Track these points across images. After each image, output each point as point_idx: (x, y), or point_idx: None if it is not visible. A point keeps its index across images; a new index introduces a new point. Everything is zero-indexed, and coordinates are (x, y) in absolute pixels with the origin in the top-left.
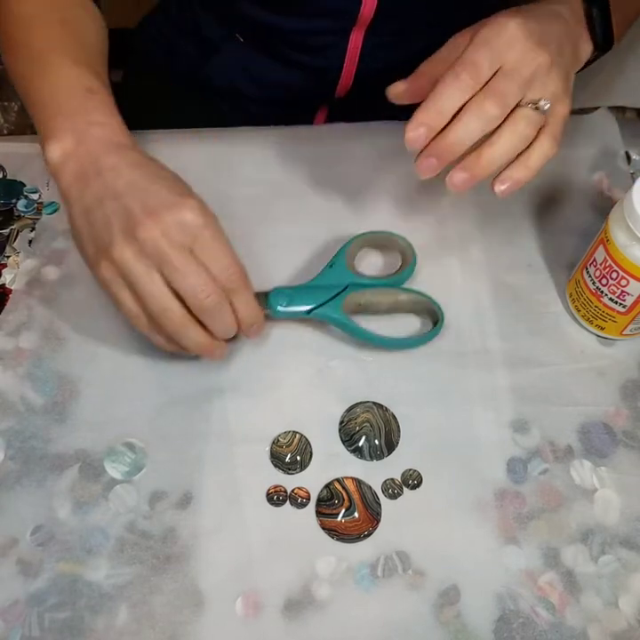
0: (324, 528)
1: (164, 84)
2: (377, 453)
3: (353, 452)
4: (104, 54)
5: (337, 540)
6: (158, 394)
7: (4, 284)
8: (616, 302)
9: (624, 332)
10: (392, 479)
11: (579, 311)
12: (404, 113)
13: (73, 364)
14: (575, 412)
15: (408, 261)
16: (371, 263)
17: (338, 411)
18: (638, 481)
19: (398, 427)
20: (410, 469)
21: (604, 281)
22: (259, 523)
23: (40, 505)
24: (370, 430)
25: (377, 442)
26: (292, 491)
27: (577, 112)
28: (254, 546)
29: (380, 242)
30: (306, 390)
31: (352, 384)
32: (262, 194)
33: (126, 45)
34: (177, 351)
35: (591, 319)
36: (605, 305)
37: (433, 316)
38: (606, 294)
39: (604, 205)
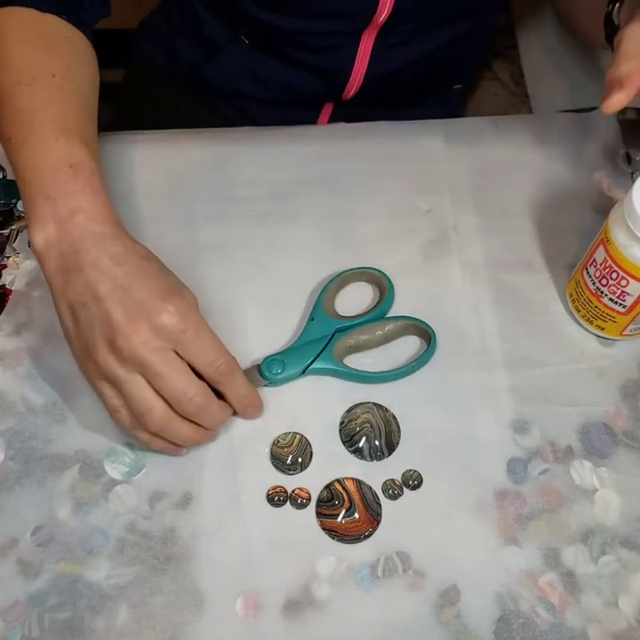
0: (324, 528)
1: (164, 84)
2: (377, 454)
3: (353, 452)
4: (95, 102)
5: (337, 540)
6: None
7: (4, 285)
8: (616, 302)
9: (624, 333)
10: (392, 480)
11: (579, 311)
12: (406, 114)
13: (73, 364)
14: (575, 412)
15: (385, 291)
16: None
17: (338, 411)
18: (638, 481)
19: (398, 427)
20: (410, 470)
21: (604, 281)
22: (259, 523)
23: (40, 505)
24: (370, 431)
25: (377, 442)
26: (293, 491)
27: (577, 112)
28: (254, 546)
29: (354, 279)
30: (306, 391)
31: (352, 385)
32: (263, 194)
33: (126, 45)
34: (166, 449)
35: (591, 319)
36: (605, 305)
37: (425, 335)
38: (606, 294)
39: (604, 205)
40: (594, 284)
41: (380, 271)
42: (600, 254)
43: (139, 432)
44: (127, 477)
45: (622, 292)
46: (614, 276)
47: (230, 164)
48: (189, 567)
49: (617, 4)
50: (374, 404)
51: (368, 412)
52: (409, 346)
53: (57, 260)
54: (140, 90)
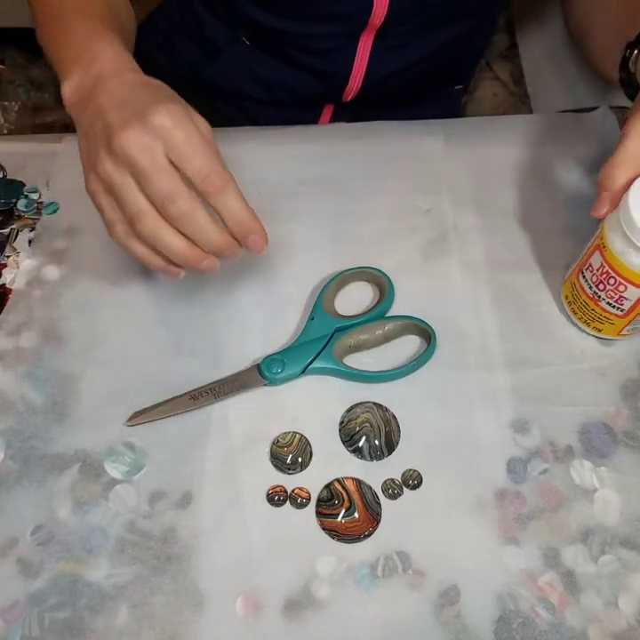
0: (324, 528)
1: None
2: (377, 453)
3: (353, 452)
4: (130, 31)
5: (337, 540)
6: (158, 394)
7: (4, 284)
8: (614, 306)
9: (622, 333)
10: (392, 479)
11: (575, 314)
12: (406, 114)
13: (73, 364)
14: (575, 412)
15: (385, 291)
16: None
17: (338, 411)
18: (638, 481)
19: (398, 427)
20: (410, 469)
21: (601, 286)
22: (259, 523)
23: (40, 505)
24: (370, 430)
25: (377, 442)
26: (292, 491)
27: (577, 112)
28: (254, 546)
29: (354, 279)
30: (306, 391)
31: (352, 384)
32: (263, 194)
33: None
34: (163, 268)
35: (588, 321)
36: (603, 309)
37: (424, 334)
38: (604, 299)
39: None
40: (591, 288)
41: (379, 271)
42: (596, 260)
43: (135, 245)
44: (127, 477)
45: (620, 296)
46: (612, 281)
47: (230, 164)
48: (189, 567)
49: (636, 51)
50: (374, 403)
51: (368, 411)
52: (409, 346)
53: (78, 99)
54: None
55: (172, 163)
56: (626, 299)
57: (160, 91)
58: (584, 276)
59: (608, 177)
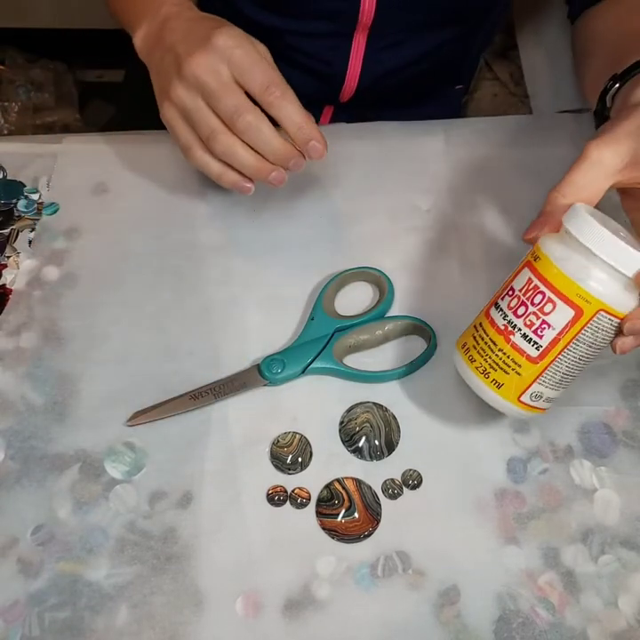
0: (324, 528)
1: None
2: (377, 453)
3: (353, 452)
4: None
5: (337, 540)
6: (158, 394)
7: (4, 284)
8: (530, 340)
9: (522, 398)
10: (392, 479)
11: (473, 362)
12: (406, 115)
13: (73, 364)
14: (575, 411)
15: (385, 291)
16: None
17: (338, 411)
18: (638, 481)
19: (398, 427)
20: (410, 469)
21: (521, 310)
22: (259, 523)
23: (40, 505)
24: (370, 430)
25: (377, 442)
26: (293, 491)
27: (577, 112)
28: (254, 546)
29: (354, 279)
30: (306, 391)
31: (352, 384)
32: (263, 194)
33: (126, 45)
34: (236, 184)
35: (488, 371)
36: (514, 346)
37: (424, 334)
38: (520, 329)
39: (603, 204)
40: (505, 317)
41: (379, 271)
42: (522, 279)
43: (210, 164)
44: (127, 477)
45: (543, 322)
46: (538, 299)
47: None
48: (189, 567)
49: (617, 85)
50: (374, 403)
51: (368, 411)
52: (409, 346)
53: (148, 44)
54: (140, 90)
55: (236, 82)
56: (549, 326)
57: (219, 21)
58: (498, 307)
59: (552, 203)
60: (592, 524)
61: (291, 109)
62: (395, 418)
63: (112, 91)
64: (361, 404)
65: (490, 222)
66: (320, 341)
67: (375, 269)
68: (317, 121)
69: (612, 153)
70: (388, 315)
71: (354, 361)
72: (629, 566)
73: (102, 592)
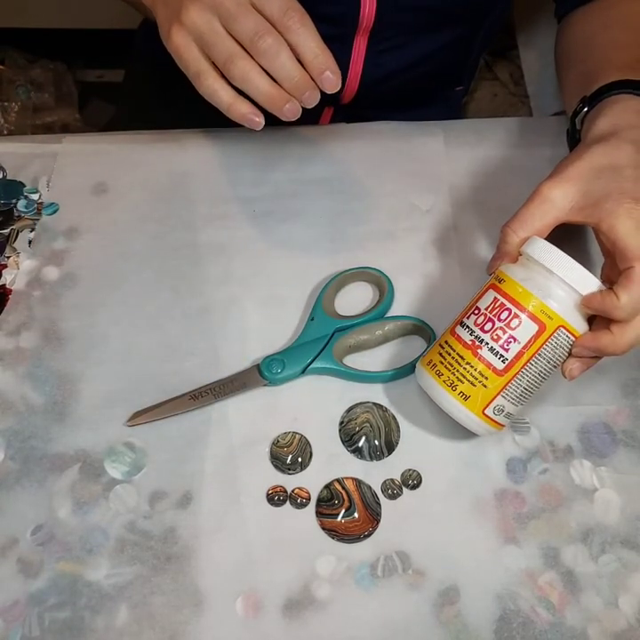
0: (324, 528)
1: (164, 84)
2: (377, 454)
3: (353, 452)
4: None
5: (337, 539)
6: (158, 394)
7: (4, 285)
8: (496, 353)
9: (486, 411)
10: (392, 479)
11: (440, 376)
12: (407, 116)
13: (73, 364)
14: (575, 411)
15: (385, 291)
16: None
17: (338, 411)
18: (638, 481)
19: (398, 427)
20: (409, 469)
21: (488, 326)
22: (259, 523)
23: (40, 505)
24: (370, 430)
25: (377, 442)
26: (292, 491)
27: None
28: (254, 546)
29: (354, 279)
30: (306, 391)
31: (352, 384)
32: (263, 194)
33: (126, 45)
34: (245, 116)
35: (456, 384)
36: (482, 359)
37: (424, 334)
38: (488, 343)
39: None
40: (472, 333)
41: (379, 271)
42: (487, 299)
43: (221, 92)
44: (127, 477)
45: (509, 337)
46: (505, 315)
47: (231, 164)
48: (189, 567)
49: (586, 108)
50: (374, 403)
51: (368, 411)
52: (409, 346)
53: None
54: (140, 90)
55: (253, 5)
56: (514, 339)
57: None
58: (464, 325)
59: (506, 240)
60: (592, 523)
61: (309, 35)
62: (394, 418)
63: (112, 91)
64: (361, 403)
65: (490, 222)
66: (320, 341)
67: (375, 269)
68: (317, 121)
69: (562, 194)
70: (388, 315)
71: (354, 361)
72: (629, 566)
73: (102, 592)
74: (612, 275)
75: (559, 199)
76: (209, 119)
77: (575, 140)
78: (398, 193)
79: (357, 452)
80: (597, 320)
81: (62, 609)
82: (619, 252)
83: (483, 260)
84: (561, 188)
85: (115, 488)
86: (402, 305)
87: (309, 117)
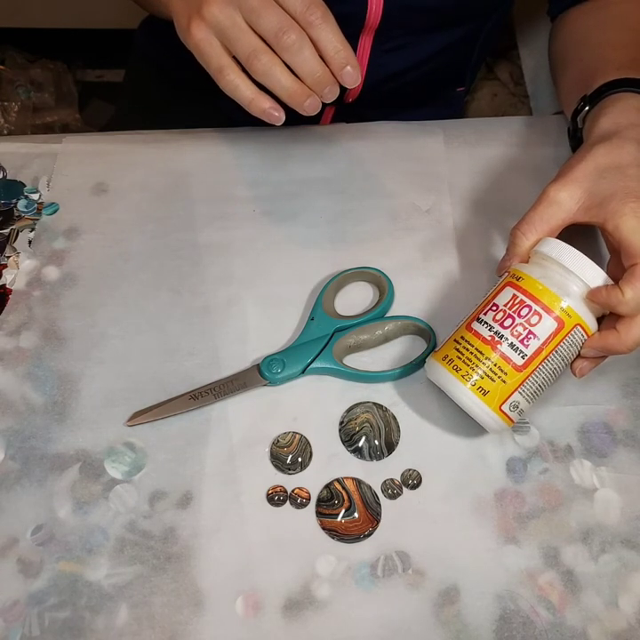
0: (324, 528)
1: (164, 83)
2: (377, 453)
3: (353, 452)
4: None
5: (337, 539)
6: (158, 394)
7: (4, 285)
8: (516, 349)
9: (503, 407)
10: (392, 479)
11: (458, 371)
12: (408, 116)
13: (73, 364)
14: (575, 411)
15: (385, 291)
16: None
17: (338, 411)
18: (638, 480)
19: (398, 427)
20: (409, 469)
21: (508, 322)
22: (259, 523)
23: (40, 505)
24: (370, 430)
25: (377, 442)
26: (292, 491)
27: None
28: (254, 546)
29: (354, 279)
30: (306, 391)
31: (352, 384)
32: (263, 194)
33: (126, 45)
34: (266, 111)
35: (475, 379)
36: (502, 355)
37: (424, 334)
38: (507, 339)
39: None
40: (491, 329)
41: (379, 271)
42: (505, 296)
43: (243, 88)
44: (127, 477)
45: (529, 333)
46: (525, 311)
47: (231, 164)
48: (189, 567)
49: (587, 107)
50: (374, 403)
51: (368, 411)
52: (409, 346)
53: None
54: (140, 90)
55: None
56: (534, 336)
57: None
58: (482, 321)
59: (515, 242)
60: (592, 523)
61: (331, 31)
62: (394, 418)
63: (112, 91)
64: (361, 403)
65: (490, 222)
66: (320, 341)
67: (375, 269)
68: (319, 121)
69: (569, 195)
70: (388, 315)
71: (354, 361)
72: (630, 566)
73: (102, 592)
74: (618, 272)
75: (566, 201)
76: (208, 119)
77: (577, 138)
78: (398, 193)
79: (357, 451)
80: (605, 321)
81: (62, 609)
82: (624, 250)
83: (483, 259)
84: (567, 190)
85: (115, 488)
86: (402, 305)
87: (310, 117)
